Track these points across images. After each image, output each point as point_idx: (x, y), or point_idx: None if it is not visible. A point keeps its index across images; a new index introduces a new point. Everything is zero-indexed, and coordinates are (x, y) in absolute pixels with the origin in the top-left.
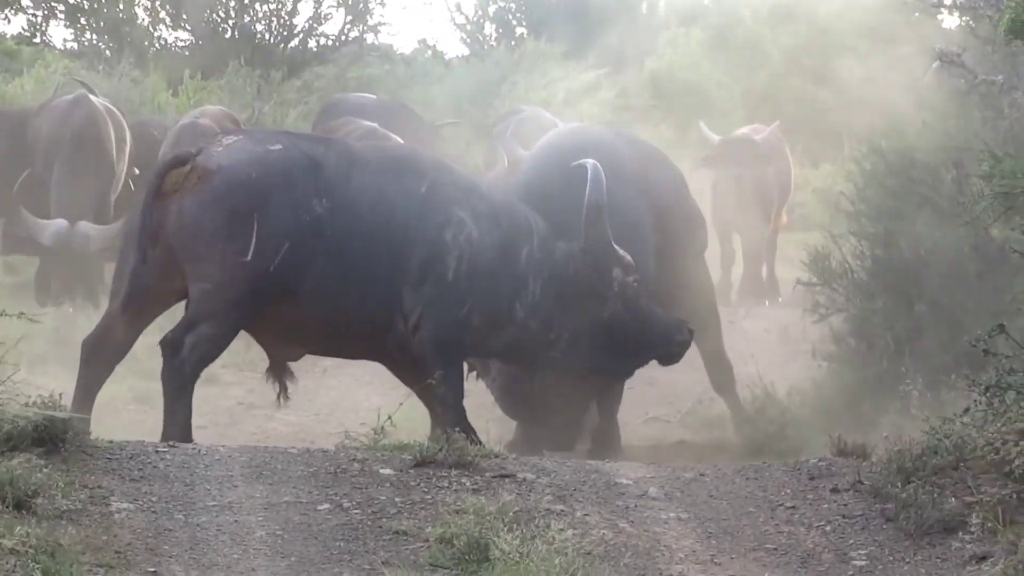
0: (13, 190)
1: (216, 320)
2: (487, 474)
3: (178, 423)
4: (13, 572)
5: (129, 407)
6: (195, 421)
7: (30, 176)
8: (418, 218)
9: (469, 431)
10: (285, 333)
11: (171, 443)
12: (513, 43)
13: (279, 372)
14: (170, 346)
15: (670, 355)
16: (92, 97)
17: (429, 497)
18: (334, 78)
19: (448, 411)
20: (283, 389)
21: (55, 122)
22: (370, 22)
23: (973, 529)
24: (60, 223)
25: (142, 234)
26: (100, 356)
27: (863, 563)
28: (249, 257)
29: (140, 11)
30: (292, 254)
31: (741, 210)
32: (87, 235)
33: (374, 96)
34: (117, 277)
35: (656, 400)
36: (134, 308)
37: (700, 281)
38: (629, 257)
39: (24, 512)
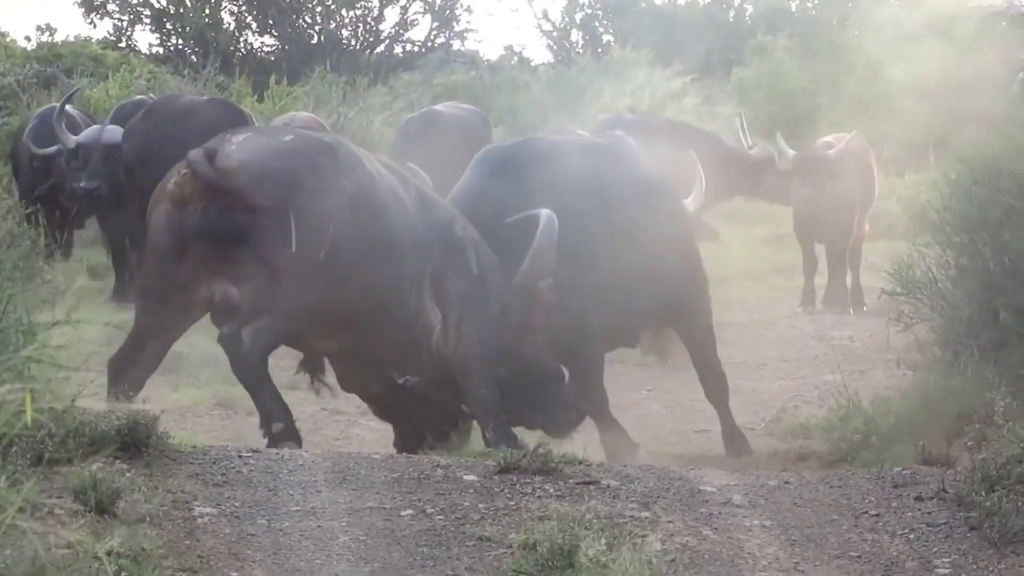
0: None
1: (273, 315)
2: (571, 480)
3: (274, 406)
4: None
5: (212, 412)
6: None
7: None
8: (429, 209)
9: (511, 436)
10: (319, 323)
11: (254, 448)
12: (599, 50)
13: (313, 366)
14: (231, 341)
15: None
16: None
17: (513, 503)
18: (420, 84)
19: (489, 414)
20: (317, 382)
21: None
22: (456, 29)
23: None
24: None
25: (161, 246)
26: (129, 375)
27: (946, 571)
28: (294, 248)
29: (226, 16)
30: (336, 239)
31: (819, 222)
32: None
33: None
34: (141, 295)
35: (740, 408)
36: (165, 322)
37: (690, 293)
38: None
39: (106, 516)
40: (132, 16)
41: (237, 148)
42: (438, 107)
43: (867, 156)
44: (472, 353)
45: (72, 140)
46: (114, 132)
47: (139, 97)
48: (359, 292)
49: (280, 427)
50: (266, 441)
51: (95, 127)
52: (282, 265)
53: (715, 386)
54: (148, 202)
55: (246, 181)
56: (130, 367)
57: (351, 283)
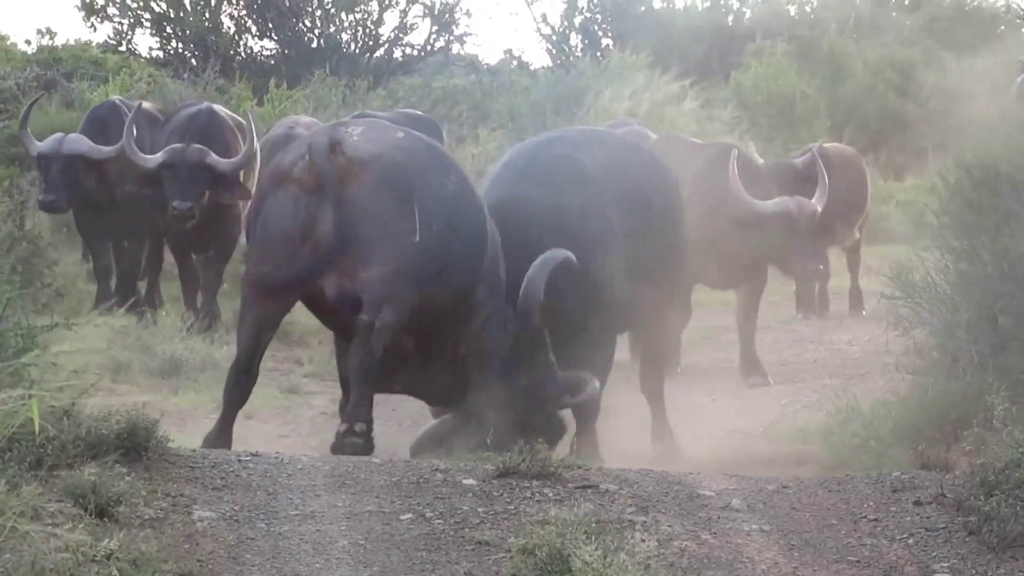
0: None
1: (397, 303)
2: (570, 485)
3: (367, 407)
4: None
5: (211, 415)
6: (278, 431)
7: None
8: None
9: (514, 440)
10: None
11: (253, 452)
12: (598, 54)
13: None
14: (366, 329)
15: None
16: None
17: (512, 507)
18: (419, 88)
19: (498, 415)
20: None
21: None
22: (455, 32)
23: None
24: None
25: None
26: (251, 375)
27: None
28: (417, 238)
29: (226, 20)
30: (441, 235)
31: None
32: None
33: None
34: (254, 284)
35: (739, 413)
36: (280, 310)
37: (670, 288)
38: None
39: (106, 520)
40: (132, 20)
41: (359, 140)
42: (376, 112)
43: (858, 163)
44: (490, 351)
45: (35, 148)
46: (75, 142)
47: (113, 99)
48: (446, 290)
49: (362, 427)
50: (340, 434)
51: (56, 136)
52: (406, 255)
53: (653, 381)
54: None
55: (379, 170)
56: (255, 363)
57: (442, 280)
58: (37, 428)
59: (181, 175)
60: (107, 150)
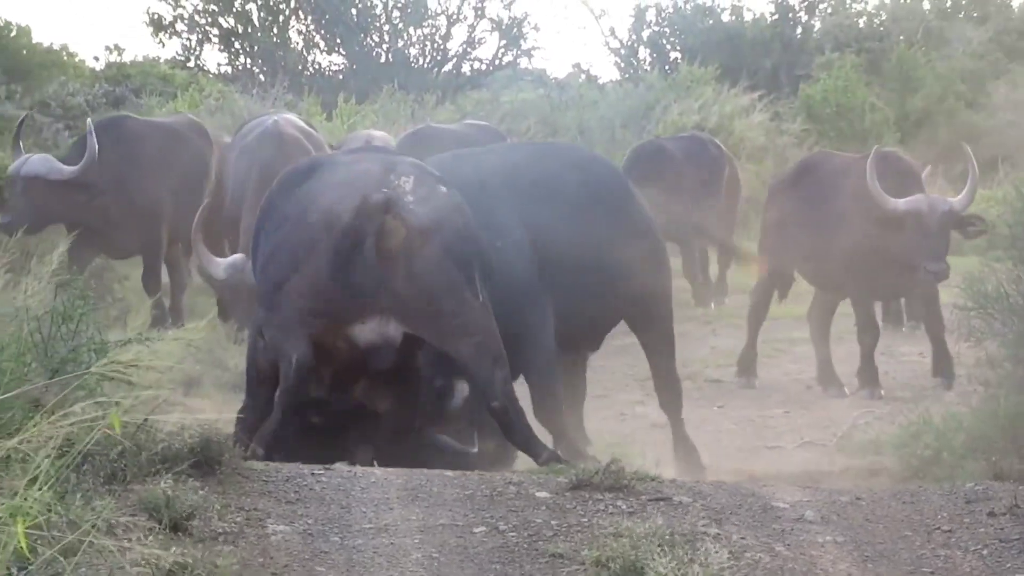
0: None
1: (504, 366)
2: (643, 497)
3: (540, 444)
4: None
5: None
6: None
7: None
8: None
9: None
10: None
11: (326, 466)
12: (667, 67)
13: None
14: (507, 411)
15: None
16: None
17: (585, 520)
18: (487, 102)
19: None
20: None
21: (245, 156)
22: (524, 47)
23: None
24: (238, 257)
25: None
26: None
27: None
28: (480, 298)
29: (294, 35)
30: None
31: None
32: None
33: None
34: (300, 322)
35: (811, 424)
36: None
37: (650, 296)
38: None
39: (180, 533)
40: (200, 36)
41: (416, 202)
42: (441, 124)
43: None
44: None
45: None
46: (35, 163)
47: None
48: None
49: (549, 453)
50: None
51: (22, 157)
52: (484, 314)
53: (671, 395)
54: None
55: (442, 239)
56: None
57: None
58: (119, 434)
59: None
60: (68, 170)
